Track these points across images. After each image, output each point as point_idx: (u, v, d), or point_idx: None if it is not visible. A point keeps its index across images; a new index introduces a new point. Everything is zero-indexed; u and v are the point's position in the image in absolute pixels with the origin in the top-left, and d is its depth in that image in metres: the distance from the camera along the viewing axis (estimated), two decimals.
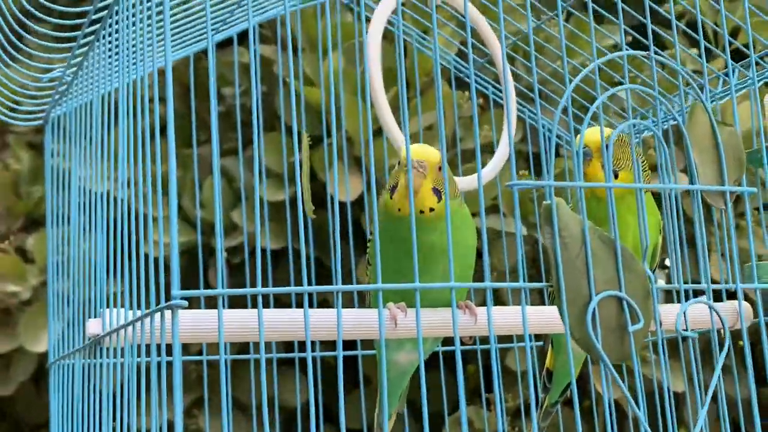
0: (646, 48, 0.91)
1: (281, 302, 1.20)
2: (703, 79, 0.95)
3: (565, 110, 1.14)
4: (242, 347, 1.15)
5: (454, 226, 0.72)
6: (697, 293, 0.64)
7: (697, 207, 0.62)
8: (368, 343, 1.08)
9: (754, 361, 0.77)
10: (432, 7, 0.61)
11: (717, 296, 0.79)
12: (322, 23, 1.24)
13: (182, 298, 0.51)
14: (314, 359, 1.04)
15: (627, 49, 0.65)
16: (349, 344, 1.07)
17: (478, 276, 0.85)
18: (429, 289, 0.59)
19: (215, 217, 0.61)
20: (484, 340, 1.13)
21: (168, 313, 0.52)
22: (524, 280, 1.13)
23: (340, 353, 0.55)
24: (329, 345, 1.12)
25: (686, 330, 0.60)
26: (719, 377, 0.60)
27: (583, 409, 1.28)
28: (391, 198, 0.71)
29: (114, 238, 0.65)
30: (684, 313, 0.60)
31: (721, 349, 0.61)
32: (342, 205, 1.17)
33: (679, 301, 0.64)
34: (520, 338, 1.09)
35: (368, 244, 0.78)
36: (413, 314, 0.68)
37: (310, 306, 0.99)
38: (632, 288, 0.59)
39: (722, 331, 0.63)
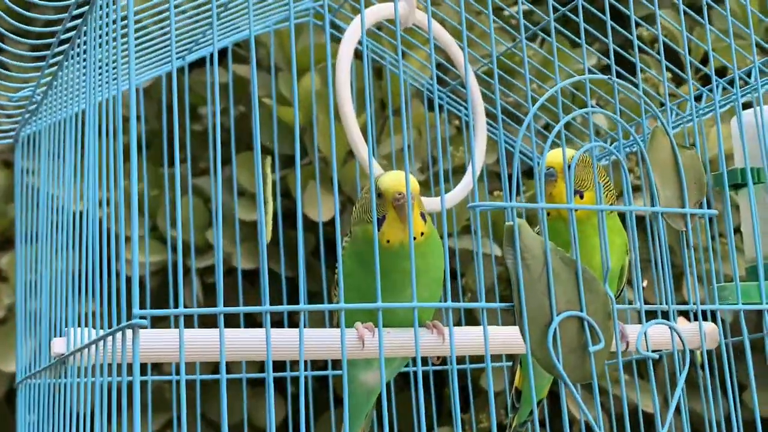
0: (621, 73, 0.92)
1: (258, 323, 1.20)
2: (675, 103, 0.96)
3: (537, 132, 1.15)
4: (217, 367, 1.15)
5: (429, 250, 0.72)
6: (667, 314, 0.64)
7: (659, 229, 0.63)
8: (339, 363, 1.07)
9: (726, 384, 0.77)
10: (397, 30, 0.62)
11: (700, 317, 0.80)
12: (297, 44, 1.25)
13: (144, 318, 0.51)
14: (290, 379, 1.04)
15: (596, 73, 0.66)
16: (323, 364, 1.07)
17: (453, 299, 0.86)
18: (391, 308, 0.59)
19: (179, 235, 0.61)
20: (461, 360, 1.14)
21: (129, 333, 0.52)
22: (498, 302, 1.13)
23: (302, 373, 0.55)
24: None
25: (648, 350, 0.61)
26: (682, 394, 0.61)
27: (554, 430, 1.28)
28: (379, 229, 0.71)
29: (83, 256, 0.65)
30: (645, 334, 0.61)
31: (682, 370, 0.62)
32: (315, 225, 1.17)
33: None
34: (496, 358, 1.09)
35: (336, 267, 0.78)
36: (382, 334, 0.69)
37: (282, 326, 1.00)
38: (593, 308, 0.59)
39: (685, 351, 0.63)
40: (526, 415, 0.91)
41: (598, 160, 1.00)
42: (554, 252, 0.60)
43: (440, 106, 1.11)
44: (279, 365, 1.04)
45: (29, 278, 0.87)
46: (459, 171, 1.27)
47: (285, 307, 0.55)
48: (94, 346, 0.58)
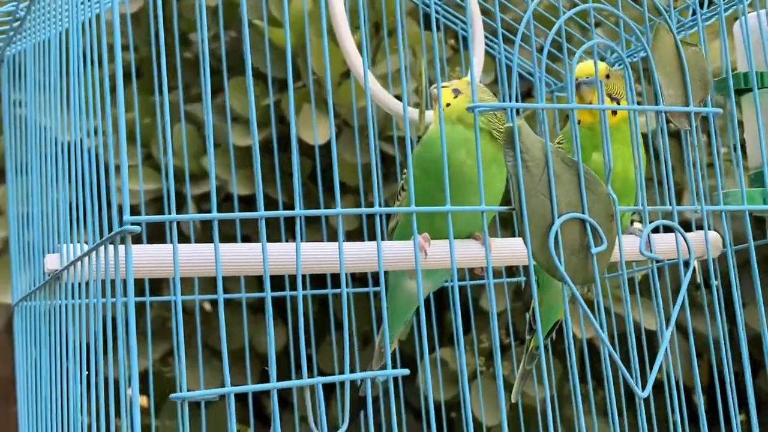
0: None
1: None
2: (678, 9, 0.94)
3: (540, 49, 1.12)
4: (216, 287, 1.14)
5: (494, 163, 0.73)
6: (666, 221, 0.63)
7: (662, 127, 0.62)
8: (336, 280, 1.06)
9: (726, 300, 0.77)
10: None
11: (687, 230, 0.79)
12: None
13: (136, 224, 0.50)
14: (292, 299, 1.03)
15: None
16: (320, 283, 1.07)
17: None
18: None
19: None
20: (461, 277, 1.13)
21: (121, 243, 0.51)
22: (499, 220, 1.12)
23: (300, 291, 0.54)
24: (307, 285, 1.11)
25: (651, 252, 0.59)
26: (684, 299, 0.60)
27: (557, 351, 1.28)
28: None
29: (73, 183, 0.63)
30: (648, 236, 0.60)
31: (685, 276, 0.61)
32: (311, 148, 1.15)
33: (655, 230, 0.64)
34: (496, 274, 1.08)
35: (403, 174, 0.80)
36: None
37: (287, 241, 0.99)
38: (595, 210, 0.58)
39: (688, 254, 0.62)
40: (544, 337, 0.90)
41: (611, 65, 0.97)
42: (555, 153, 0.58)
43: (436, 21, 1.08)
44: (279, 287, 1.04)
45: (22, 210, 0.86)
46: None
47: (280, 213, 0.54)
48: (87, 259, 0.57)
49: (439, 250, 0.69)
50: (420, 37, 1.20)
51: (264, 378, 1.23)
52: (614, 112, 0.77)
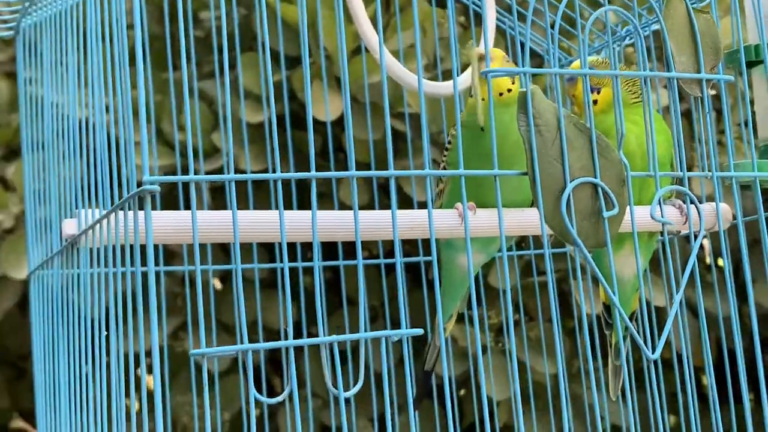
0: None
1: None
2: None
3: (552, 25, 1.12)
4: (229, 258, 1.15)
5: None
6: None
7: (674, 96, 0.62)
8: (349, 254, 1.07)
9: (735, 279, 0.77)
10: None
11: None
12: None
13: (154, 183, 0.50)
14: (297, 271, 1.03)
15: None
16: (331, 254, 1.07)
17: None
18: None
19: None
20: None
21: (140, 208, 0.51)
22: None
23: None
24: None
25: (662, 217, 0.60)
26: (695, 270, 0.60)
27: (566, 327, 1.29)
28: (470, 95, 0.74)
29: (89, 151, 0.64)
30: (659, 201, 0.60)
31: (695, 242, 0.61)
32: (322, 125, 1.16)
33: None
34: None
35: (445, 153, 0.80)
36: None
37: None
38: (607, 175, 0.59)
39: (698, 223, 0.63)
40: (624, 330, 0.88)
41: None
42: (568, 118, 0.59)
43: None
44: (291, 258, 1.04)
45: (37, 186, 0.86)
46: (466, 69, 1.25)
47: (293, 175, 0.55)
48: (105, 222, 0.57)
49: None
50: (428, 14, 1.20)
51: (276, 352, 1.24)
52: (595, 101, 0.79)
